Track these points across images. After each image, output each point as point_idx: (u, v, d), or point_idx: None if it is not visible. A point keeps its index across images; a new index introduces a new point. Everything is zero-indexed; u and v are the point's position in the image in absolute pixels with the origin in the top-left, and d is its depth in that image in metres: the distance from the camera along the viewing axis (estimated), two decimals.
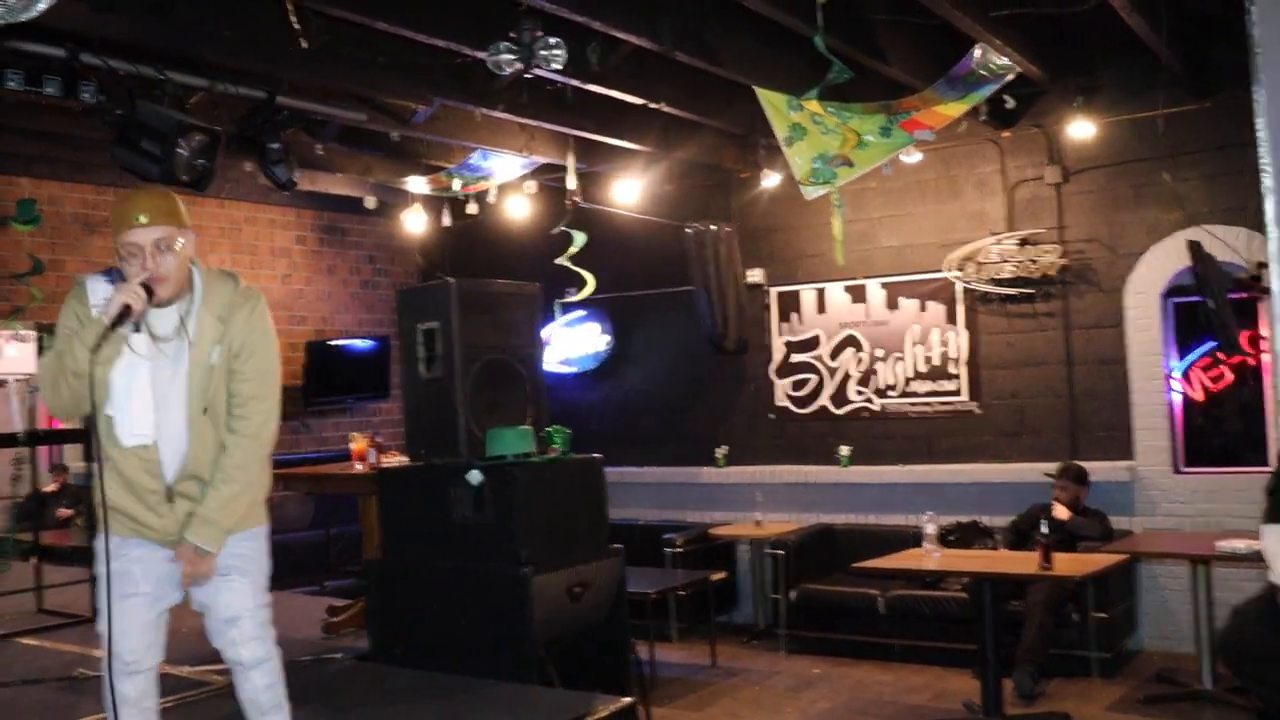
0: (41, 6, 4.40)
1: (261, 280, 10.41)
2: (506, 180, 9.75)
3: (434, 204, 10.90)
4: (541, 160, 9.15)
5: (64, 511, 12.94)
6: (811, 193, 6.99)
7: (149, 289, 3.55)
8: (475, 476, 5.60)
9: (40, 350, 8.58)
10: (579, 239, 9.21)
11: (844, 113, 6.69)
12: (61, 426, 12.97)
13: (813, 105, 6.51)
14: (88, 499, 10.37)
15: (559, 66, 5.88)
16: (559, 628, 5.71)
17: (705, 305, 9.49)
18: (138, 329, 3.58)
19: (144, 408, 3.64)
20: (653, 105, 7.62)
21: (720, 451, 10.12)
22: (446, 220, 10.79)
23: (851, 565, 7.28)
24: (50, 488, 12.47)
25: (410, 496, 6.07)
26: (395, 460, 7.02)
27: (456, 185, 9.79)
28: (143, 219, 3.58)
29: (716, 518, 10.05)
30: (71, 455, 13.83)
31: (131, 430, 3.65)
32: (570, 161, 8.94)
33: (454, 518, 5.73)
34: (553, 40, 5.81)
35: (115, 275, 3.69)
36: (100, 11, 5.41)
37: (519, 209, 10.33)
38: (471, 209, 10.30)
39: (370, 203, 10.11)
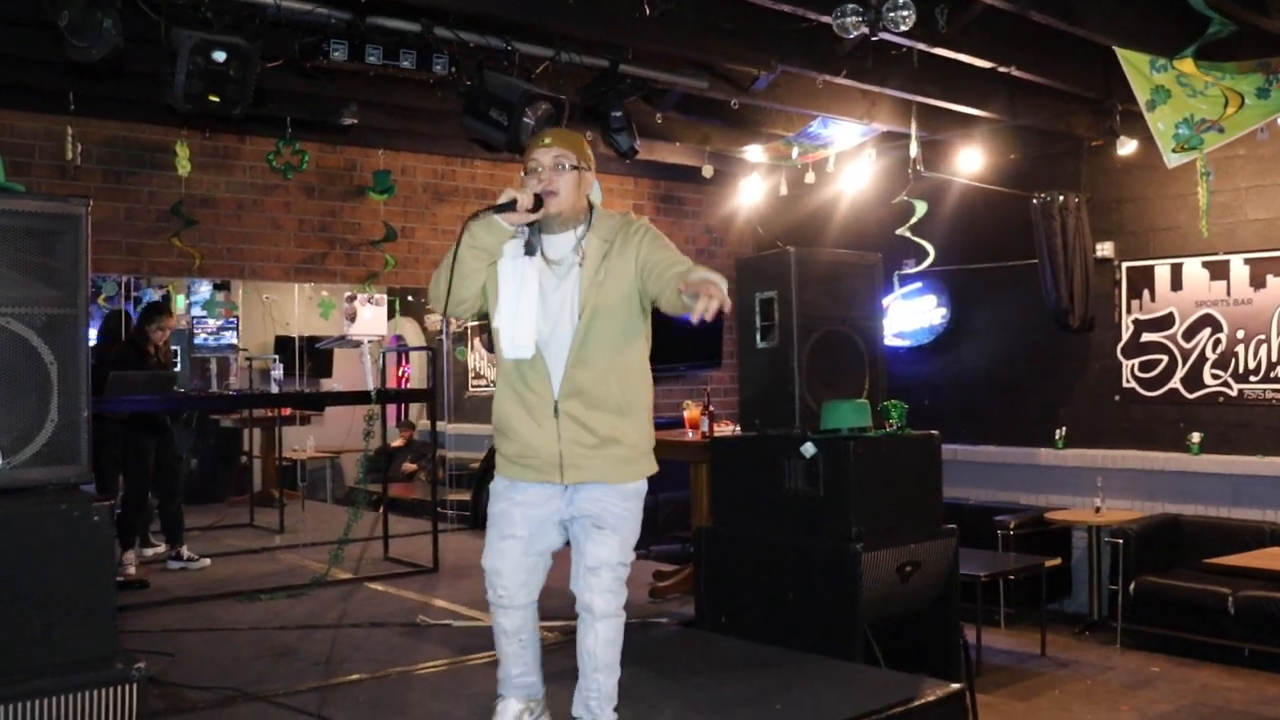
0: None
1: None
2: (845, 148, 9.60)
3: (771, 173, 10.84)
4: (882, 128, 8.92)
5: (409, 466, 13.67)
6: (1175, 160, 6.56)
7: (539, 199, 3.83)
8: (809, 449, 5.51)
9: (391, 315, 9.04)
10: (920, 208, 8.95)
11: (1215, 72, 6.20)
12: (411, 386, 13.73)
13: (1183, 66, 6.06)
14: (431, 454, 10.93)
15: (907, 28, 5.69)
16: (887, 606, 5.56)
17: (1050, 280, 9.08)
18: (531, 252, 3.91)
19: (527, 323, 3.88)
20: (1002, 69, 7.28)
21: (1059, 433, 9.67)
22: (783, 189, 10.71)
23: (1203, 561, 6.83)
24: (397, 443, 13.17)
25: (742, 466, 6.03)
26: (728, 429, 7.01)
27: (795, 154, 9.69)
28: (547, 140, 3.95)
29: (1052, 501, 9.62)
30: (417, 413, 14.59)
31: (513, 343, 3.90)
32: (913, 129, 8.67)
33: (785, 489, 5.66)
34: (900, 1, 5.63)
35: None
36: None
37: (857, 178, 10.15)
38: (809, 178, 10.18)
39: (708, 172, 10.12)
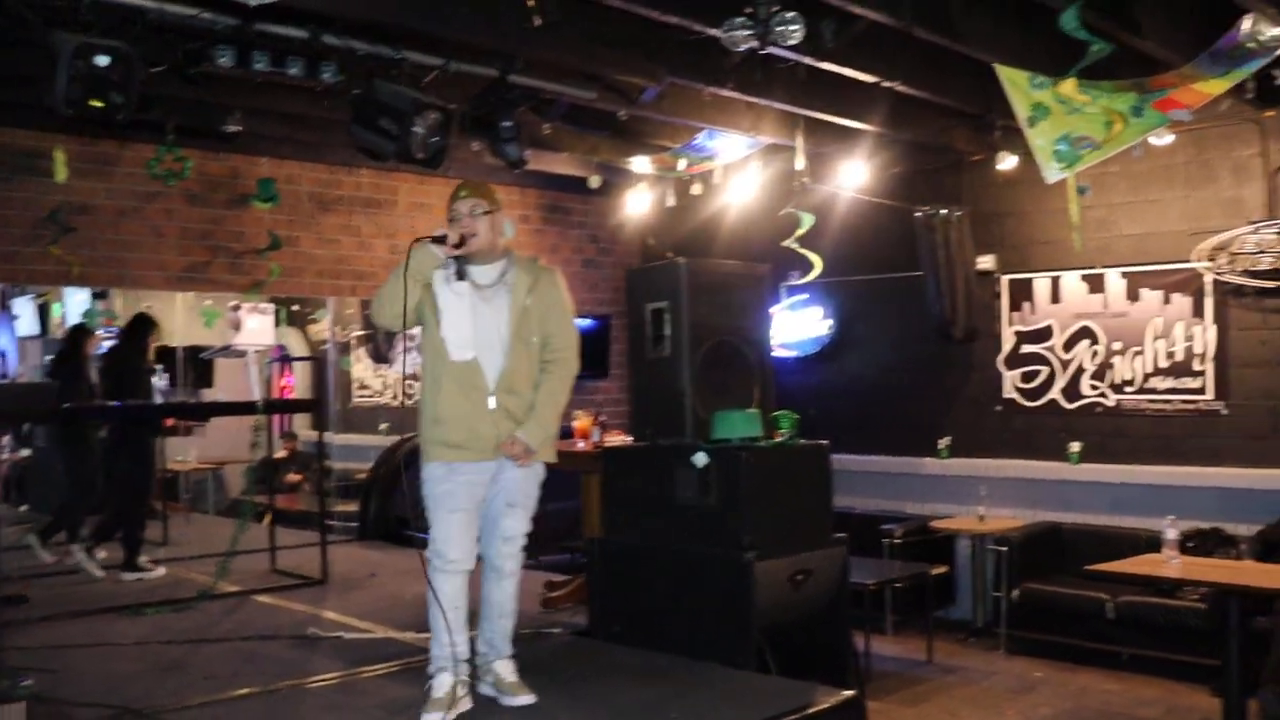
0: None
1: None
2: (731, 160, 9.66)
3: (658, 184, 10.87)
4: (768, 140, 9.00)
5: (293, 476, 13.48)
6: (1053, 176, 6.70)
7: (463, 238, 4.74)
8: (700, 459, 5.55)
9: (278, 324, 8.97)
10: (806, 221, 9.06)
11: (1093, 91, 6.37)
12: (295, 397, 13.54)
13: (1064, 87, 6.22)
14: (318, 464, 10.81)
15: (795, 42, 5.74)
16: (779, 615, 5.62)
17: (934, 292, 9.25)
18: (462, 278, 4.79)
19: (468, 333, 4.78)
20: (886, 84, 7.40)
21: (943, 442, 9.85)
22: (670, 200, 10.75)
23: (1084, 568, 6.96)
24: (280, 454, 12.97)
25: (634, 476, 6.06)
26: (618, 439, 7.02)
27: (681, 165, 9.73)
28: (463, 194, 4.87)
29: (937, 510, 9.77)
30: (300, 424, 14.40)
31: (458, 348, 4.77)
32: (798, 142, 8.77)
33: (678, 499, 5.69)
34: (789, 15, 5.68)
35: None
36: None
37: (743, 190, 10.22)
38: (695, 189, 10.24)
39: (594, 182, 10.13)
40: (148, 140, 8.53)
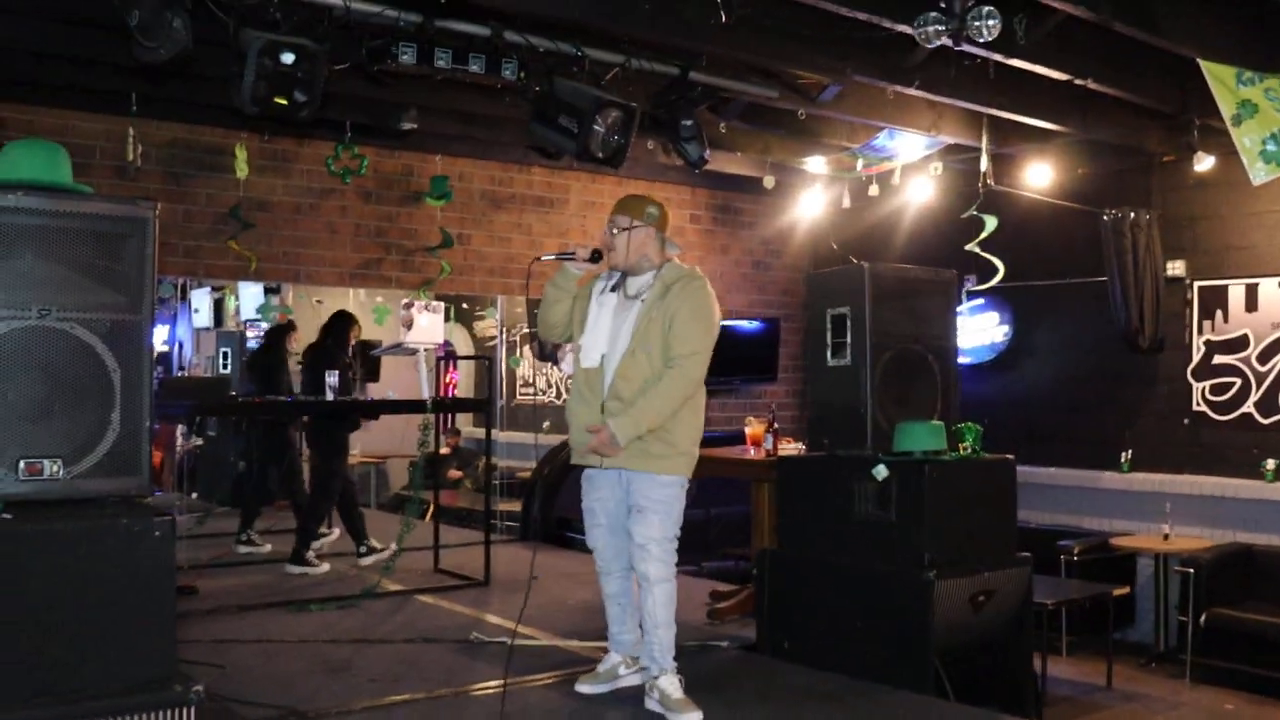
0: None
1: None
2: (910, 161, 9.39)
3: (833, 185, 10.65)
4: (948, 140, 8.73)
5: (454, 473, 13.56)
6: (1262, 177, 6.34)
7: (597, 251, 5.03)
8: (881, 471, 5.34)
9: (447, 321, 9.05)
10: (990, 224, 8.73)
11: None
12: (458, 394, 13.63)
13: (1276, 82, 5.87)
14: (484, 463, 10.84)
15: (991, 38, 5.49)
16: (958, 637, 5.39)
17: (1119, 298, 8.85)
18: (615, 289, 5.06)
19: (597, 341, 4.99)
20: (1078, 81, 7.08)
21: (1125, 455, 9.42)
22: (846, 202, 10.51)
23: None
24: (443, 450, 13.06)
25: (810, 487, 5.87)
26: (791, 447, 6.83)
27: (859, 166, 9.51)
28: (614, 210, 5.08)
29: (1117, 526, 9.34)
30: (462, 420, 14.49)
31: (585, 354, 5.01)
32: (983, 142, 8.47)
33: (855, 513, 5.49)
34: (986, 9, 5.43)
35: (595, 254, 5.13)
36: None
37: (921, 191, 9.95)
38: (873, 191, 9.99)
39: (769, 183, 9.94)
40: (325, 138, 8.63)
